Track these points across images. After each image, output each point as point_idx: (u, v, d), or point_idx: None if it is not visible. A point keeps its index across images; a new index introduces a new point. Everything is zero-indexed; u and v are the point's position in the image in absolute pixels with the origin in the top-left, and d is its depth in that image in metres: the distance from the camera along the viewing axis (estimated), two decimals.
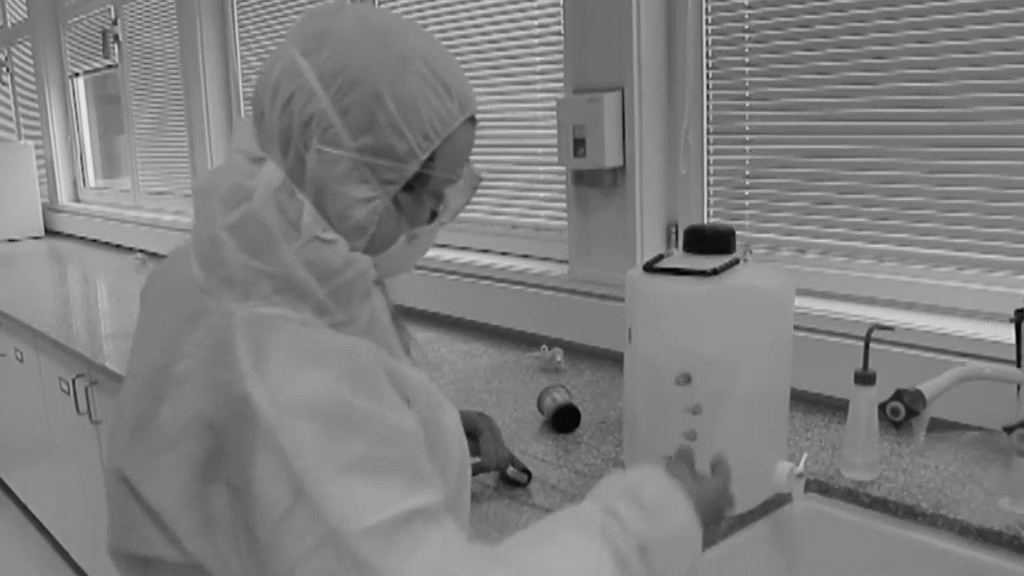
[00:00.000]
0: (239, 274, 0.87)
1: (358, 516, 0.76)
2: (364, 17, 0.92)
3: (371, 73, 0.87)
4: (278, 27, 3.47)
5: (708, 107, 2.03)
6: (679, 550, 0.94)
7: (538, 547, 0.87)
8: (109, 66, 4.84)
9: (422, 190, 0.93)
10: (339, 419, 0.79)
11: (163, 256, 4.11)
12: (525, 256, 2.54)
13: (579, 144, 2.10)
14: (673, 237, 2.13)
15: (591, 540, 0.88)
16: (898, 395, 1.29)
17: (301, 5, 3.31)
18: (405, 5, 2.79)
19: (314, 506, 0.76)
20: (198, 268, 0.90)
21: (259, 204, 0.88)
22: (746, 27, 1.93)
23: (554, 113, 2.18)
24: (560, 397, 1.77)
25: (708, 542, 1.28)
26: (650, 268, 1.36)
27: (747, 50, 1.93)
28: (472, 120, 0.95)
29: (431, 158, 0.91)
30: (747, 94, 1.95)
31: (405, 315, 1.09)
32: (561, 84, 2.27)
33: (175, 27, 3.99)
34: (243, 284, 0.87)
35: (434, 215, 0.97)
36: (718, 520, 1.09)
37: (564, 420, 1.72)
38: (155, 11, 4.27)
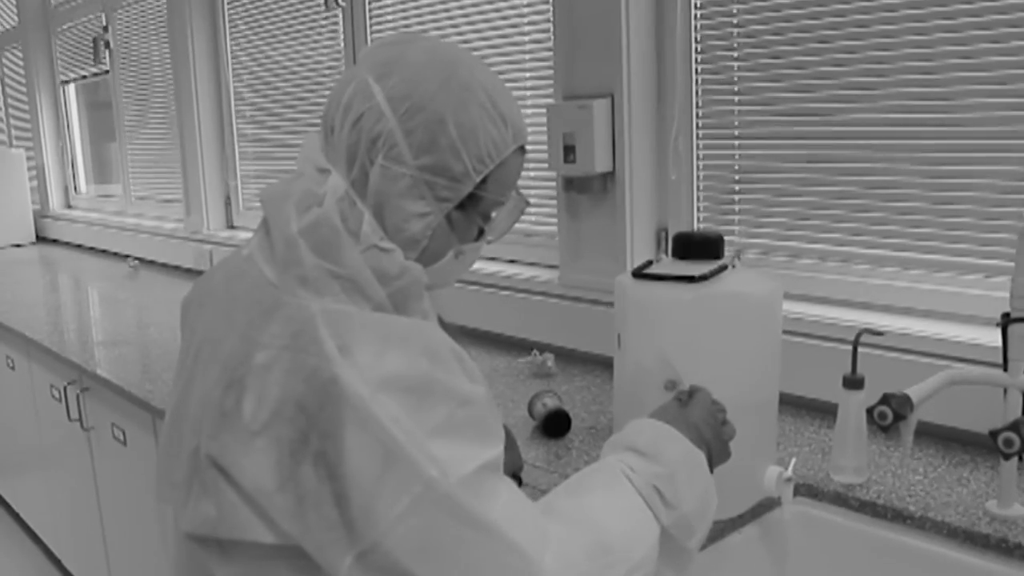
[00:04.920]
0: (312, 273, 0.94)
1: (449, 470, 0.85)
2: (433, 49, 1.01)
3: (436, 99, 0.96)
4: (269, 30, 3.47)
5: (697, 113, 2.04)
6: (686, 477, 1.04)
7: (577, 495, 1.00)
8: (100, 72, 4.83)
9: (473, 209, 1.02)
10: (423, 390, 0.87)
11: (156, 262, 4.08)
12: (516, 261, 2.55)
13: (569, 150, 2.11)
14: (663, 243, 2.14)
15: (621, 484, 1.01)
16: (885, 399, 1.30)
17: (292, 6, 3.32)
18: (396, 14, 2.80)
19: (409, 466, 0.84)
20: (270, 267, 0.97)
21: (328, 209, 0.96)
22: (735, 33, 1.94)
23: (544, 120, 2.19)
24: (551, 402, 1.77)
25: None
26: (639, 274, 1.37)
27: (736, 56, 1.95)
28: (522, 149, 1.05)
29: (484, 180, 1.00)
30: (736, 100, 1.96)
31: None
32: (550, 91, 2.28)
33: (166, 33, 3.99)
34: (315, 283, 0.94)
35: (481, 234, 1.06)
36: (719, 435, 1.15)
37: (555, 425, 1.73)
38: (146, 17, 4.27)
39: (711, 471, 1.11)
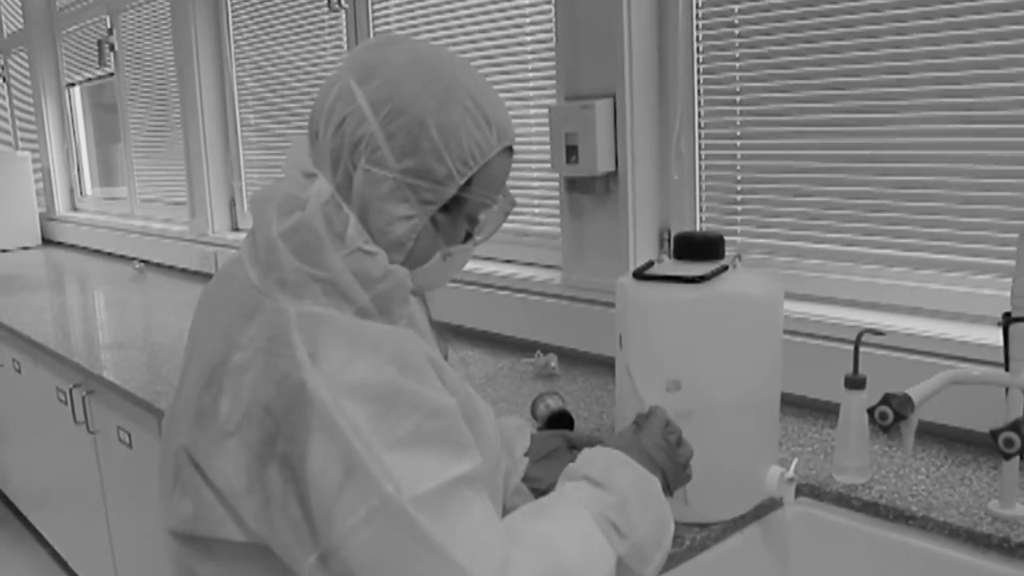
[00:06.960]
0: (292, 277, 0.94)
1: (410, 485, 0.84)
2: (414, 50, 1.00)
3: (417, 102, 0.95)
4: (273, 32, 3.48)
5: (699, 113, 2.04)
6: (638, 504, 1.02)
7: (536, 521, 0.98)
8: (105, 75, 4.85)
9: (459, 212, 1.01)
10: (389, 399, 0.87)
11: (161, 265, 4.11)
12: (519, 262, 2.56)
13: (571, 151, 2.11)
14: (666, 243, 2.14)
15: (577, 512, 0.99)
16: (886, 399, 1.29)
17: (295, 9, 3.32)
18: (397, 14, 2.81)
19: (368, 478, 0.83)
20: (254, 270, 0.97)
21: (310, 214, 0.96)
22: (736, 34, 1.94)
23: (546, 120, 2.19)
24: (553, 403, 1.77)
25: (701, 545, 1.29)
26: (639, 275, 1.37)
27: (738, 56, 1.94)
28: (509, 150, 1.03)
29: (468, 183, 0.99)
30: (738, 99, 1.96)
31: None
32: (553, 91, 2.28)
33: (170, 36, 4.01)
34: (295, 286, 0.94)
35: (469, 236, 1.05)
36: (673, 459, 1.13)
37: (558, 426, 1.73)
38: (150, 20, 4.29)
39: (670, 495, 1.10)
